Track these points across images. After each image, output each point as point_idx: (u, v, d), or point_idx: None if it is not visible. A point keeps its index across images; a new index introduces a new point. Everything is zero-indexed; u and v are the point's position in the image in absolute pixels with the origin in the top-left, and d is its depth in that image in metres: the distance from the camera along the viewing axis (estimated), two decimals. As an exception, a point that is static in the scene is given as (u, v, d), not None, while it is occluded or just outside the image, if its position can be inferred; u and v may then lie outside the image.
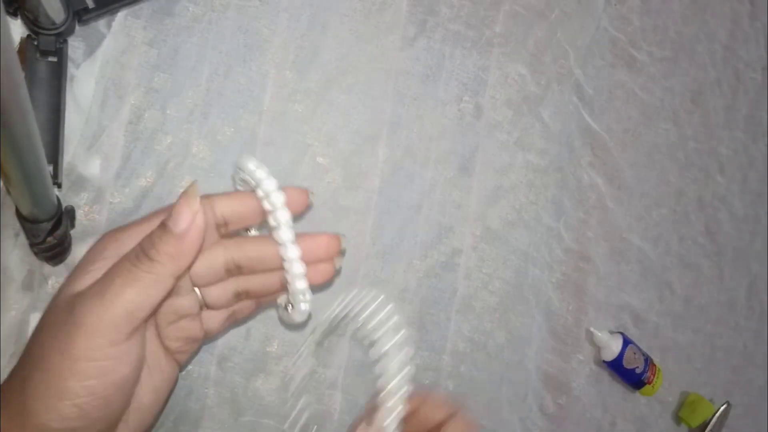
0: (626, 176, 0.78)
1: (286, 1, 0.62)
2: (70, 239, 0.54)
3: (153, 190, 0.57)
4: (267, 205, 0.40)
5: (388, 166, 0.65)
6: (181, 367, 0.44)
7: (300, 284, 0.42)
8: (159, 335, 0.40)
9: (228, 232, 0.40)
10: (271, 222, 0.41)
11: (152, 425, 0.41)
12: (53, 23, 0.51)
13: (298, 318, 0.44)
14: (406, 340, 0.43)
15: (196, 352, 0.47)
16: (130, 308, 0.32)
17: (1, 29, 0.29)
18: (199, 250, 0.35)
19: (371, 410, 0.42)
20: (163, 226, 0.34)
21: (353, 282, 0.63)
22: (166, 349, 0.41)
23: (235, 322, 0.45)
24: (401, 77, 0.66)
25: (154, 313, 0.35)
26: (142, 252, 0.33)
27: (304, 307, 0.43)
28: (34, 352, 0.34)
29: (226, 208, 0.39)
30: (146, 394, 0.38)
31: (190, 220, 0.33)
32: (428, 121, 0.67)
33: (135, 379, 0.34)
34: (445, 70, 0.68)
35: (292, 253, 0.41)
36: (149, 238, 0.34)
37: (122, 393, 0.33)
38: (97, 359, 0.31)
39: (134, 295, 0.32)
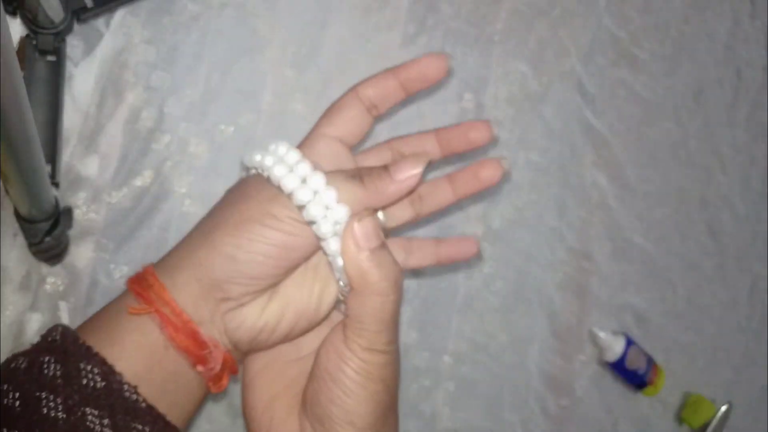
0: (628, 175, 0.78)
1: (286, -1, 0.61)
2: (68, 240, 0.54)
3: (151, 189, 0.56)
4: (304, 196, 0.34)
5: (389, 166, 0.64)
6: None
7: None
8: None
9: (379, 114, 0.40)
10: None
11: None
12: (52, 22, 0.51)
13: None
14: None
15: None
16: None
17: (1, 29, 0.28)
18: (398, 197, 0.37)
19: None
20: (385, 168, 0.36)
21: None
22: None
23: (407, 268, 0.43)
24: (402, 76, 0.66)
25: None
26: (359, 176, 0.35)
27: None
28: (231, 197, 0.36)
29: (371, 90, 0.39)
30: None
31: (409, 175, 0.36)
32: (429, 119, 0.67)
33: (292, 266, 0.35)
34: (445, 68, 0.68)
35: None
36: (371, 170, 0.36)
37: (275, 268, 0.34)
38: (281, 226, 0.34)
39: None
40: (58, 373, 0.30)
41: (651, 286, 0.79)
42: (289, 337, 0.37)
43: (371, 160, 0.40)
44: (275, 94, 0.61)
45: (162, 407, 0.33)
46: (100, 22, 0.56)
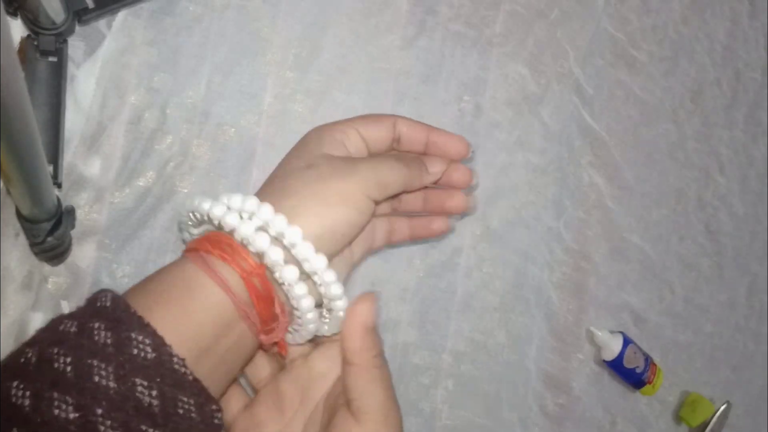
0: (626, 176, 0.78)
1: (287, 1, 0.62)
2: (70, 239, 0.54)
3: (153, 189, 0.57)
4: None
5: (388, 166, 0.65)
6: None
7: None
8: None
9: (395, 149, 0.46)
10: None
11: None
12: (53, 23, 0.51)
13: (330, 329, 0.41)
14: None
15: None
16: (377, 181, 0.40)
17: (1, 29, 0.29)
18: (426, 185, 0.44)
19: None
20: (421, 160, 0.43)
21: (353, 282, 0.63)
22: None
23: (390, 243, 0.50)
24: (401, 77, 0.66)
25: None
26: (405, 160, 0.42)
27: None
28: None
29: (405, 128, 0.45)
30: None
31: (440, 169, 0.44)
32: (428, 121, 0.67)
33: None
34: (445, 69, 0.68)
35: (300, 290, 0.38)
36: (412, 158, 0.43)
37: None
38: (357, 205, 0.39)
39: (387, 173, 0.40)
40: (109, 341, 0.31)
41: (649, 285, 0.79)
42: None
43: None
44: (276, 96, 0.61)
45: (217, 377, 0.34)
46: (101, 24, 0.56)
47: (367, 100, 0.64)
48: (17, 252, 0.52)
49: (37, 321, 0.53)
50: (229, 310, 0.34)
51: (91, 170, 0.55)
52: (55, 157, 0.52)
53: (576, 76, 0.75)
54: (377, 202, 0.40)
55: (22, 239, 0.52)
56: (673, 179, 0.82)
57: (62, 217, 0.50)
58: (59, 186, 0.53)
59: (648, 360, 0.74)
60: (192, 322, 0.33)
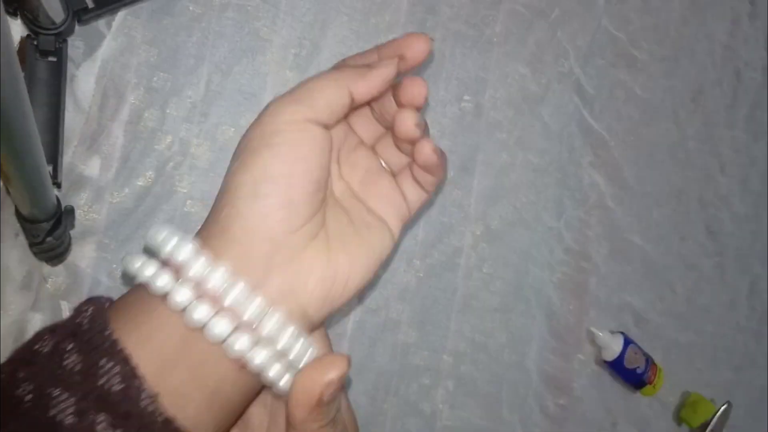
0: (627, 176, 0.78)
1: (286, 1, 0.62)
2: (70, 239, 0.54)
3: (152, 189, 0.57)
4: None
5: (389, 166, 0.65)
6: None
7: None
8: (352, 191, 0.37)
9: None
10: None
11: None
12: (53, 23, 0.51)
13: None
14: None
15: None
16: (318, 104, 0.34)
17: (1, 29, 0.29)
18: (383, 87, 0.35)
19: None
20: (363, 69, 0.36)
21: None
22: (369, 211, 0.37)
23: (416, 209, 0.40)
24: (401, 77, 0.66)
25: (333, 124, 0.35)
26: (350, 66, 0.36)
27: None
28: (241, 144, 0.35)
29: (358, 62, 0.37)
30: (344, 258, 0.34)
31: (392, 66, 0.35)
32: (429, 121, 0.67)
33: (317, 172, 0.33)
34: (445, 69, 0.68)
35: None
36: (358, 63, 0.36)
37: (306, 175, 0.33)
38: (282, 131, 0.33)
39: (327, 93, 0.34)
40: (77, 367, 0.28)
41: (650, 286, 0.79)
42: (359, 290, 0.35)
43: None
44: (276, 95, 0.61)
45: (215, 409, 0.31)
46: (101, 23, 0.56)
47: (368, 99, 0.64)
48: (17, 252, 0.52)
49: (37, 321, 0.53)
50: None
51: (91, 170, 0.55)
52: (54, 157, 0.52)
53: (576, 75, 0.75)
54: (329, 125, 0.34)
55: (22, 239, 0.52)
56: (674, 179, 0.81)
57: (62, 217, 0.50)
58: (59, 186, 0.53)
59: (649, 360, 0.74)
60: (159, 331, 0.29)
